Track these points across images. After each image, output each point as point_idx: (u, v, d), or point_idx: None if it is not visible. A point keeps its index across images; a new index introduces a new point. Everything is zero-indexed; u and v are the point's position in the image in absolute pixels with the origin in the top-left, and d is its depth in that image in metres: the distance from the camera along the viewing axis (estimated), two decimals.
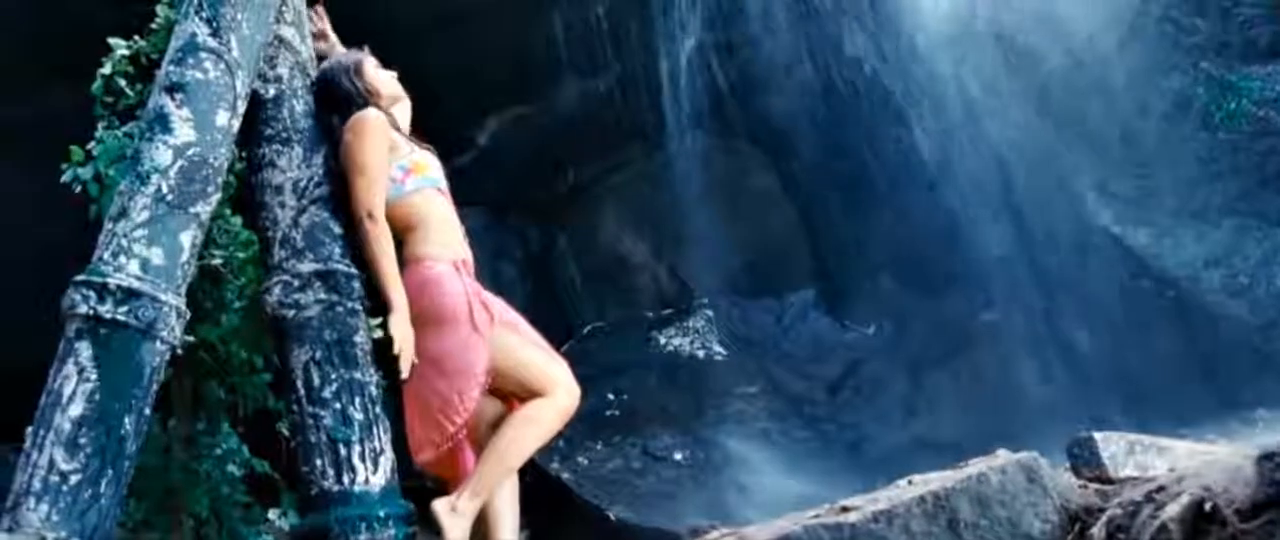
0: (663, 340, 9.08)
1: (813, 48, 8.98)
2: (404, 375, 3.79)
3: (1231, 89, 7.55)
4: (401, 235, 4.00)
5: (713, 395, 8.49)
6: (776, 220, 9.57)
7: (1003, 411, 7.93)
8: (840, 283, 9.22)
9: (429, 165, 4.16)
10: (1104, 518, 2.77)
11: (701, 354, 8.97)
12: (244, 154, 4.09)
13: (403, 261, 3.95)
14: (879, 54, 8.59)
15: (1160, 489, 2.73)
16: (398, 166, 4.04)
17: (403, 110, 4.40)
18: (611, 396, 8.24)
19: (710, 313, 9.23)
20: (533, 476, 4.07)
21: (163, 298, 3.49)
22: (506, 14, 7.46)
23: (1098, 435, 3.42)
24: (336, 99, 4.11)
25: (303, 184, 3.92)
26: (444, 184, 4.21)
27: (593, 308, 9.47)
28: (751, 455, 7.89)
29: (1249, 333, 7.12)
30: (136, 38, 4.15)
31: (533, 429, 3.89)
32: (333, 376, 3.71)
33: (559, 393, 3.92)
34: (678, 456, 7.83)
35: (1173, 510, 2.54)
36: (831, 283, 9.28)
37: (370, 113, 4.03)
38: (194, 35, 3.80)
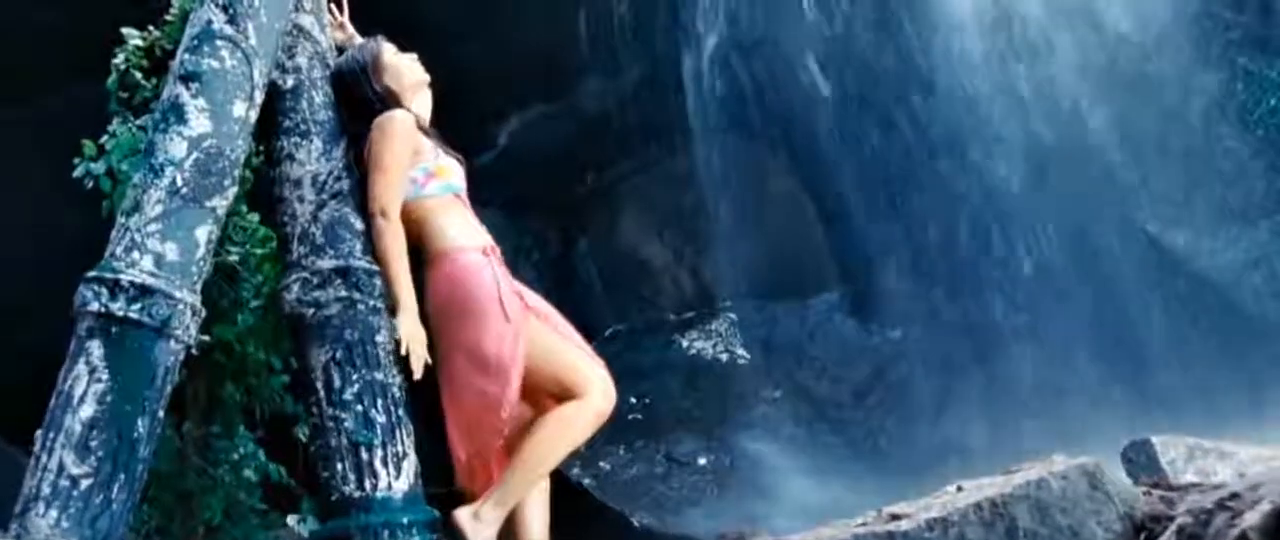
0: (685, 343, 8.93)
1: (838, 45, 8.83)
2: (417, 376, 3.63)
3: (1272, 85, 7.36)
4: (417, 235, 3.83)
5: (736, 400, 8.34)
6: (800, 222, 9.43)
7: (1034, 416, 7.77)
8: (865, 285, 9.06)
9: (452, 171, 3.98)
10: (1173, 526, 2.60)
11: (725, 358, 8.82)
12: (261, 147, 3.95)
13: (429, 257, 3.80)
14: (909, 52, 8.43)
15: (1234, 496, 2.56)
16: (421, 169, 3.89)
17: (424, 97, 4.24)
18: (634, 400, 8.10)
19: (733, 316, 9.08)
20: (553, 481, 3.90)
21: (177, 295, 3.35)
22: (532, 11, 7.34)
23: (1155, 439, 3.27)
24: (355, 101, 3.97)
25: (322, 178, 3.78)
26: (463, 191, 4.05)
27: (613, 310, 9.33)
28: (777, 461, 7.74)
29: None
30: (151, 28, 4.02)
31: (564, 432, 3.71)
32: (354, 377, 3.56)
33: (594, 394, 3.73)
34: (702, 461, 7.68)
35: (1252, 519, 2.38)
36: (856, 285, 9.12)
37: (398, 113, 3.89)
38: (210, 22, 3.66)
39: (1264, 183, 7.22)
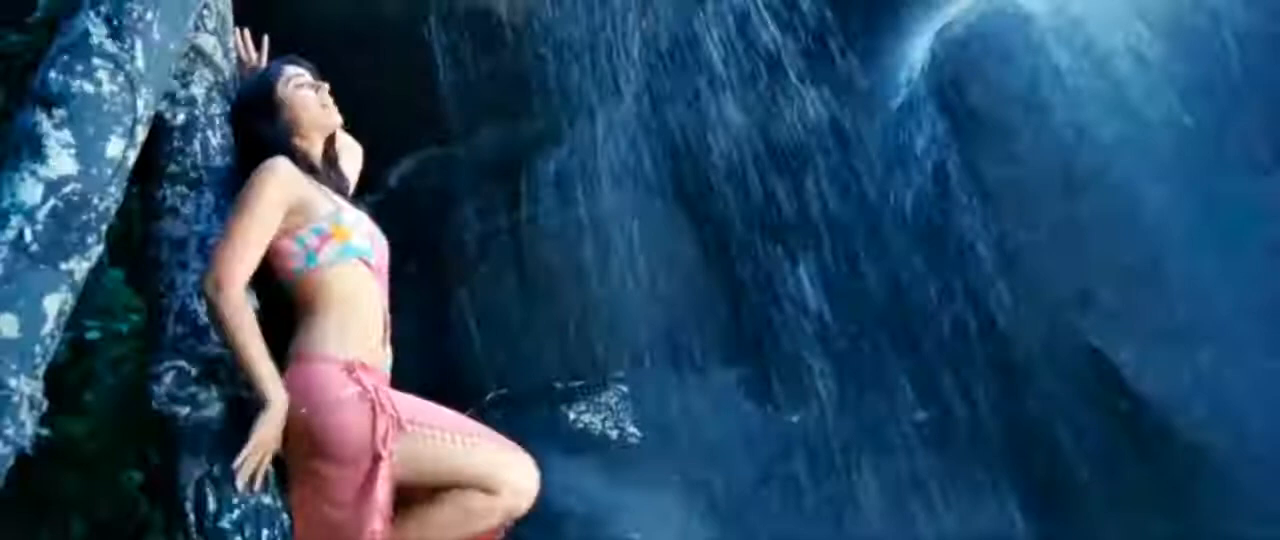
0: (572, 416, 8.27)
1: (758, 104, 8.37)
2: (239, 484, 2.88)
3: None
4: (300, 315, 3.11)
5: (626, 484, 7.70)
6: (701, 290, 8.86)
7: (949, 519, 7.31)
8: (768, 363, 8.51)
9: (354, 231, 3.22)
10: None
11: (614, 435, 8.19)
12: (135, 189, 3.16)
13: (289, 355, 3.07)
14: (832, 116, 8.02)
15: None
16: (312, 230, 3.12)
17: (353, 155, 3.50)
18: None
19: (624, 388, 8.45)
20: None
21: (11, 384, 2.57)
22: (437, 53, 6.82)
23: None
24: (250, 141, 3.23)
25: (212, 241, 3.02)
26: (379, 255, 3.31)
27: (493, 374, 8.64)
28: None
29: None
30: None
31: (465, 521, 3.11)
32: (235, 499, 2.82)
33: (505, 488, 3.13)
34: None
35: None
36: (758, 363, 8.57)
37: (276, 161, 3.13)
38: (87, 34, 2.89)
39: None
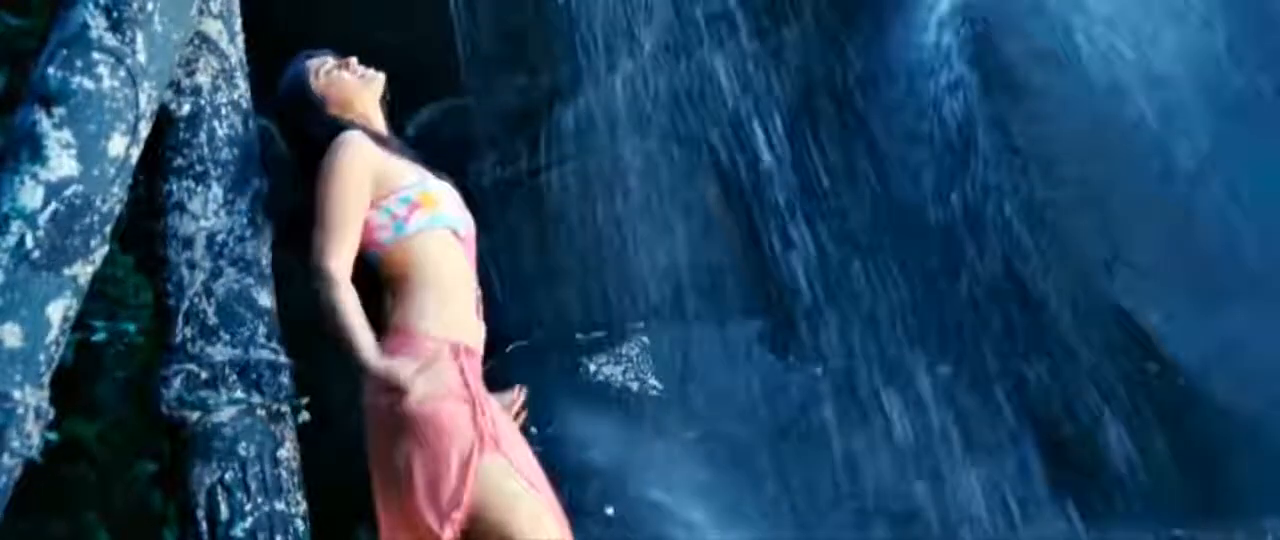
0: (593, 367, 8.20)
1: (783, 53, 8.21)
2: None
3: None
4: (391, 289, 2.97)
5: (648, 437, 7.64)
6: (722, 241, 8.76)
7: (967, 479, 7.23)
8: (789, 315, 8.42)
9: (442, 200, 3.10)
10: None
11: (635, 386, 8.11)
12: (141, 176, 3.06)
13: (385, 327, 2.92)
14: (864, 61, 7.87)
15: None
16: (399, 200, 3.00)
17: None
18: (535, 431, 7.30)
19: (645, 340, 8.36)
20: None
21: (16, 396, 2.51)
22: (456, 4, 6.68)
23: None
24: (300, 141, 3.12)
25: (221, 237, 2.94)
26: (466, 227, 3.18)
27: (514, 323, 8.56)
28: (690, 513, 7.08)
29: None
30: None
31: None
32: (247, 507, 2.77)
33: None
34: (609, 511, 6.98)
35: None
36: (779, 315, 8.48)
37: (349, 136, 3.02)
38: (86, 27, 2.79)
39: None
